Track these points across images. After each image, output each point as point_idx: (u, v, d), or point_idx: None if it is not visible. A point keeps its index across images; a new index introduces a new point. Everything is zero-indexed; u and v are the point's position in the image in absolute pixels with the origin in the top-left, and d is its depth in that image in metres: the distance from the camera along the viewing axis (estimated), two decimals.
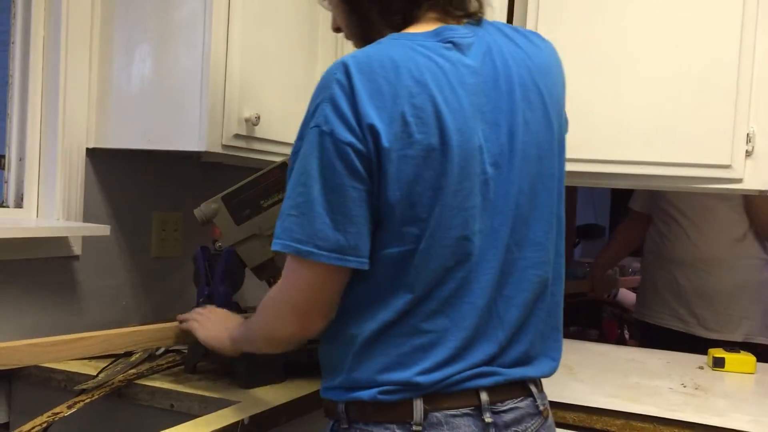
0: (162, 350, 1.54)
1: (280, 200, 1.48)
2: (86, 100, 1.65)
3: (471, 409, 1.00)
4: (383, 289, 1.00)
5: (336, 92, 0.95)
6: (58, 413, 1.25)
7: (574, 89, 1.63)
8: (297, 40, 1.80)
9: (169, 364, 1.50)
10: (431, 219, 0.97)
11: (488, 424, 1.00)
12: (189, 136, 1.54)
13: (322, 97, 0.97)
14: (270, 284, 1.55)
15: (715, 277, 2.27)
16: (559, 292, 1.12)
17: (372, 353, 1.01)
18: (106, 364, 1.45)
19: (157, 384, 1.38)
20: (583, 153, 1.61)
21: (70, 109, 1.62)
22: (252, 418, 1.22)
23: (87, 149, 1.67)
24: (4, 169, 1.62)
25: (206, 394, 1.34)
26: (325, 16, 1.87)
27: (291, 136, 1.75)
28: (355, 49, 1.08)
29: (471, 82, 1.01)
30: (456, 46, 1.02)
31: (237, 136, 1.60)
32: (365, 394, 1.00)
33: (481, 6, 1.10)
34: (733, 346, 1.82)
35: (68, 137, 1.62)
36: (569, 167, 1.70)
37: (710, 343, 2.15)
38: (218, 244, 1.49)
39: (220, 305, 1.45)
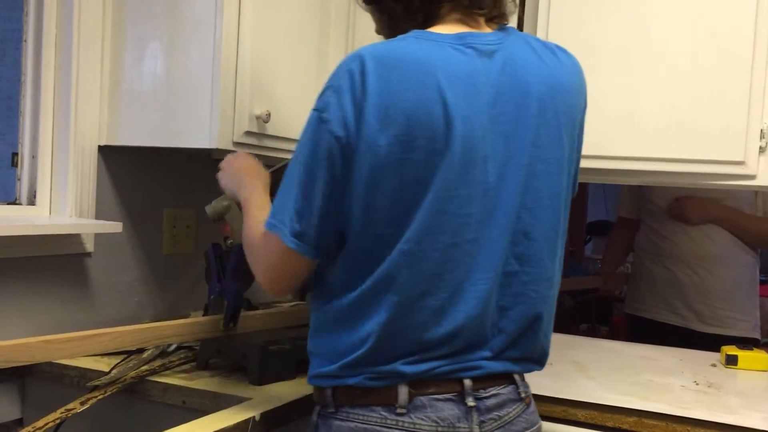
0: (174, 347, 1.55)
1: None
2: (98, 98, 1.65)
3: (454, 395, 1.03)
4: (372, 292, 1.01)
5: (344, 83, 0.97)
6: (71, 409, 1.26)
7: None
8: (308, 37, 1.80)
9: (180, 361, 1.50)
10: (415, 222, 0.98)
11: (471, 407, 1.03)
12: (200, 134, 1.54)
13: (329, 83, 1.00)
14: None
15: (714, 274, 2.30)
16: (554, 306, 1.14)
17: (363, 350, 1.02)
18: (118, 361, 1.46)
19: (169, 380, 1.39)
20: (595, 149, 1.60)
21: (82, 107, 1.62)
22: (263, 414, 1.23)
23: (99, 146, 1.68)
24: (17, 166, 1.63)
25: (218, 390, 1.35)
26: (335, 12, 1.87)
27: None
28: None
29: (486, 91, 1.01)
30: (477, 52, 1.02)
31: (248, 133, 1.60)
32: (352, 380, 1.03)
33: (503, 7, 1.10)
34: (745, 343, 1.82)
35: (80, 135, 1.63)
36: (581, 163, 1.68)
37: (705, 337, 2.22)
38: (229, 241, 1.50)
39: (230, 302, 1.46)
